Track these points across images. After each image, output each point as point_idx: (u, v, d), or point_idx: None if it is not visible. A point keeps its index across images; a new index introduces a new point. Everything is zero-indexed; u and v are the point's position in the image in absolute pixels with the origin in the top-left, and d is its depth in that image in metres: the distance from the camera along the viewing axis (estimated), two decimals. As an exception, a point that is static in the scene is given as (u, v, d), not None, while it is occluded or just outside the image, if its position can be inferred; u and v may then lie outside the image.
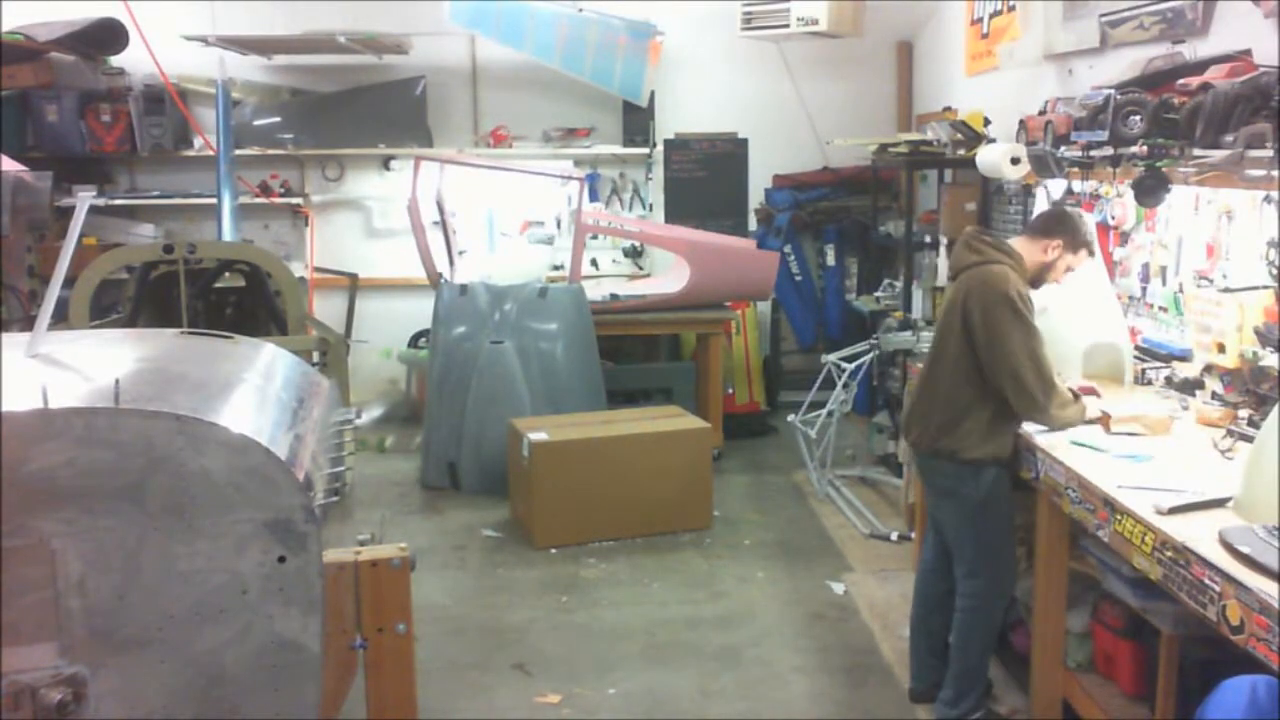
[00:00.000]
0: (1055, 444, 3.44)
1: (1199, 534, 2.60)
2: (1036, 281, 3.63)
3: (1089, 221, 3.83)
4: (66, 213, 4.18)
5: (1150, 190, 3.65)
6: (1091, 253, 3.70)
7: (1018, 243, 3.64)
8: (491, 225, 7.94)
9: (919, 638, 3.93)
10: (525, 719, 3.92)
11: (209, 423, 2.18)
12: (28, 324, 4.87)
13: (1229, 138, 3.18)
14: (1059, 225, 3.63)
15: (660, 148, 8.08)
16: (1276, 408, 2.73)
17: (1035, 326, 3.44)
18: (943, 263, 6.54)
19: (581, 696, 4.04)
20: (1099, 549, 3.38)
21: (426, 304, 6.81)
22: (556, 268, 7.64)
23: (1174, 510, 2.76)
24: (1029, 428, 3.57)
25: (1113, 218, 4.51)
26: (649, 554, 5.41)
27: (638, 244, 8.09)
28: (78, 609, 2.11)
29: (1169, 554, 2.63)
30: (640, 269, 8.33)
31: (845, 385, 6.14)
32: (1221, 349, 3.82)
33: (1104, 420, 3.57)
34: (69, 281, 3.89)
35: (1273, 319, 3.55)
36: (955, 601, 3.71)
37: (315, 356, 5.43)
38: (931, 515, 3.88)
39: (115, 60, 7.89)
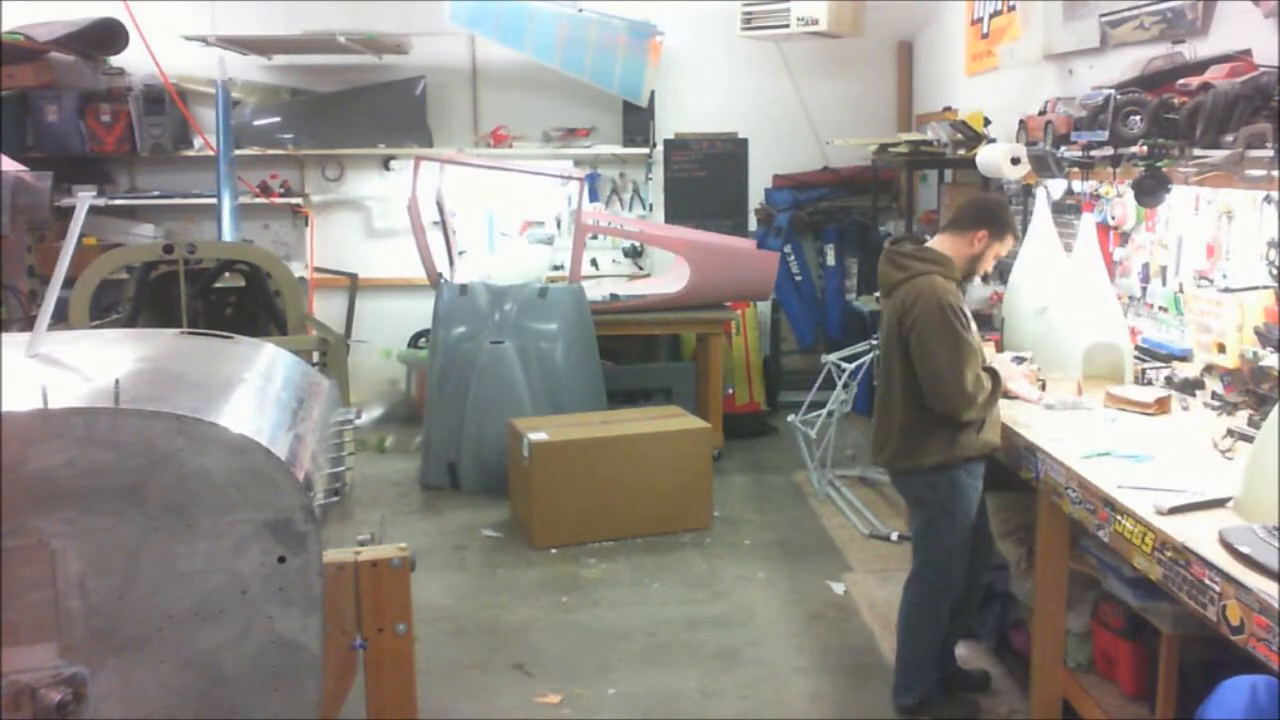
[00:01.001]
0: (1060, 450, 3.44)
1: (1199, 534, 2.60)
2: (969, 274, 3.69)
3: (1009, 208, 3.96)
4: (66, 213, 4.17)
5: (1150, 190, 3.65)
6: (1016, 235, 3.76)
7: (942, 240, 3.67)
8: (491, 225, 7.95)
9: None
10: (525, 719, 3.92)
11: (209, 423, 2.18)
12: (28, 324, 4.87)
13: (1229, 138, 3.18)
14: (982, 216, 3.65)
15: (660, 148, 8.08)
16: (1277, 408, 2.73)
17: (962, 337, 3.46)
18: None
19: (581, 696, 4.04)
20: (1099, 549, 3.38)
21: (426, 304, 6.81)
22: (556, 268, 7.64)
23: (1174, 510, 2.76)
24: (1024, 431, 3.58)
25: (1113, 218, 4.51)
26: (649, 554, 5.41)
27: (638, 244, 8.09)
28: (78, 609, 2.11)
29: (1169, 554, 2.63)
30: (640, 269, 8.33)
31: (845, 385, 6.15)
32: (1222, 349, 3.82)
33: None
34: (69, 281, 3.89)
35: (1273, 319, 3.55)
36: (903, 594, 3.81)
37: (315, 356, 5.43)
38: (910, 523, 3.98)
39: (115, 60, 7.89)
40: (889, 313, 3.66)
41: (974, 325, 3.62)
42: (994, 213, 3.67)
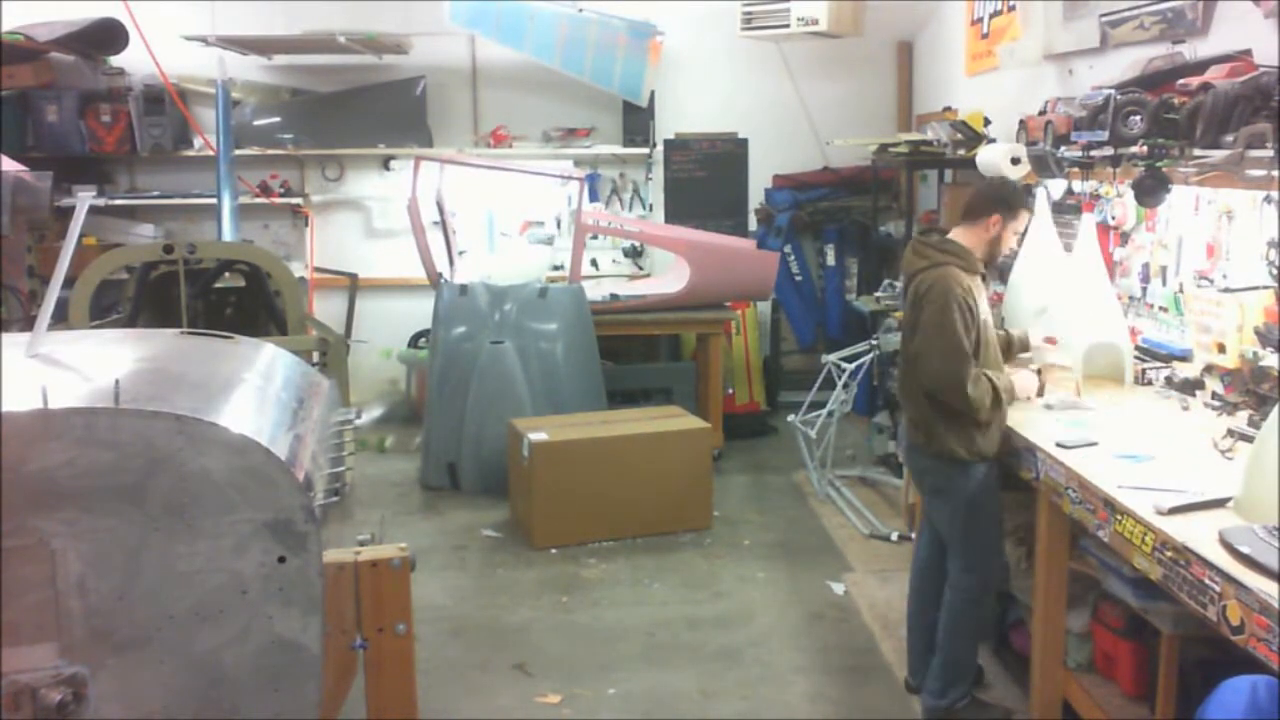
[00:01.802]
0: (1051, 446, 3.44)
1: (1199, 534, 2.60)
2: (992, 259, 3.72)
3: (1017, 184, 3.94)
4: (66, 213, 4.18)
5: (1150, 190, 3.65)
6: (1030, 208, 3.77)
7: (958, 233, 3.70)
8: (491, 225, 7.95)
9: (915, 633, 3.99)
10: (525, 719, 3.92)
11: (209, 423, 2.18)
12: (28, 324, 4.87)
13: (1229, 138, 3.18)
14: (992, 200, 3.68)
15: (660, 148, 8.08)
16: (1277, 408, 2.72)
17: (959, 334, 3.48)
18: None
19: (581, 696, 4.04)
20: (1099, 549, 3.37)
21: (426, 304, 6.81)
22: (556, 268, 7.64)
23: (1174, 510, 2.76)
24: (1023, 430, 3.58)
25: (1113, 218, 4.51)
26: (649, 554, 5.41)
27: (638, 244, 8.09)
28: (78, 609, 2.11)
29: (1169, 554, 2.63)
30: (640, 269, 8.33)
31: (845, 385, 6.14)
32: (1222, 349, 3.82)
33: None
34: (69, 281, 3.89)
35: (1273, 319, 3.55)
36: (944, 593, 3.78)
37: (315, 356, 5.43)
38: (926, 512, 3.95)
39: (115, 60, 7.89)
40: (907, 300, 3.73)
41: (990, 321, 3.64)
42: (1002, 195, 3.70)
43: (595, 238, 7.72)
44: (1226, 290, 3.79)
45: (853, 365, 6.13)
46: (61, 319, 5.08)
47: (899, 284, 6.80)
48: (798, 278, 8.29)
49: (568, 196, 7.87)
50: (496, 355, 6.24)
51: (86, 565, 2.10)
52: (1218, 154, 3.25)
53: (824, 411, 6.17)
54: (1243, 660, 2.36)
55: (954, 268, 3.58)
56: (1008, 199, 3.68)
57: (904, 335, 3.81)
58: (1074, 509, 3.18)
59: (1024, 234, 3.88)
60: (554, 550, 5.43)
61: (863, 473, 6.51)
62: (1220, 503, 2.78)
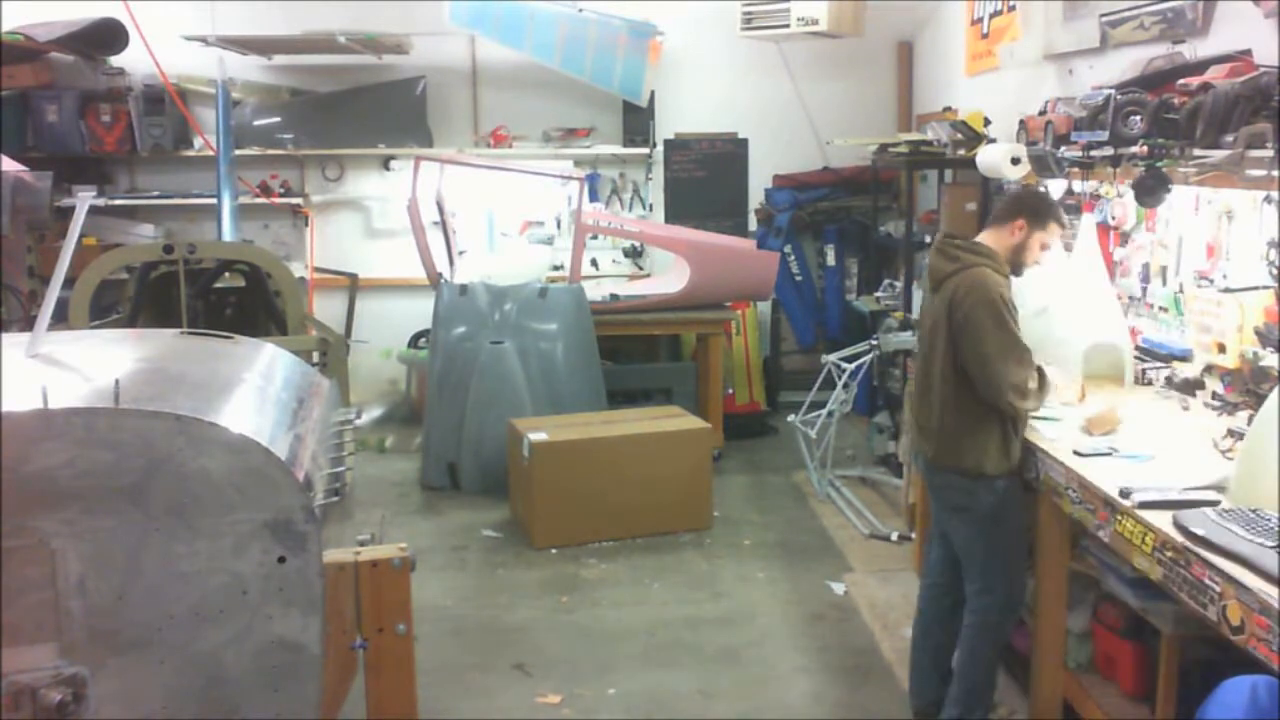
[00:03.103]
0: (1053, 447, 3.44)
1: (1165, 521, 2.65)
2: (1018, 268, 3.57)
3: (1051, 197, 3.82)
4: (66, 213, 4.17)
5: (1150, 190, 3.65)
6: (1061, 224, 3.60)
7: (987, 236, 3.59)
8: (491, 225, 7.95)
9: (921, 653, 3.82)
10: (525, 719, 3.92)
11: (209, 423, 2.18)
12: (28, 324, 4.87)
13: (1229, 138, 3.18)
14: (1017, 205, 3.58)
15: (660, 148, 8.08)
16: (1273, 392, 2.73)
17: (1014, 330, 3.37)
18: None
19: (581, 697, 4.03)
20: (1099, 549, 3.38)
21: (426, 304, 6.81)
22: (556, 268, 7.64)
23: (1144, 505, 2.80)
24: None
25: (1113, 218, 4.51)
26: (649, 554, 5.41)
27: (638, 244, 8.09)
28: (78, 609, 2.11)
29: (1169, 554, 2.63)
30: (640, 269, 8.33)
31: (845, 385, 6.14)
32: (1222, 349, 3.81)
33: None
34: (69, 281, 3.89)
35: (1273, 319, 3.55)
36: (964, 616, 3.60)
37: (315, 356, 5.42)
38: (939, 529, 3.77)
39: (115, 60, 7.89)
40: (937, 304, 3.54)
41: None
42: (1029, 202, 3.59)
43: (595, 238, 7.72)
44: (1226, 290, 3.79)
45: (853, 365, 6.13)
46: (61, 319, 5.08)
47: (898, 284, 6.84)
48: (798, 278, 8.29)
49: (568, 196, 7.86)
50: (496, 355, 6.24)
51: (86, 565, 2.10)
52: (1218, 154, 3.25)
53: (824, 411, 6.17)
54: (1243, 660, 2.36)
55: (987, 268, 3.45)
56: (1035, 207, 3.55)
57: (926, 342, 3.62)
58: (1074, 509, 3.18)
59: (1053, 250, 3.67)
60: (554, 550, 5.43)
61: (863, 473, 6.51)
62: (1194, 505, 2.77)
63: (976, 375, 3.38)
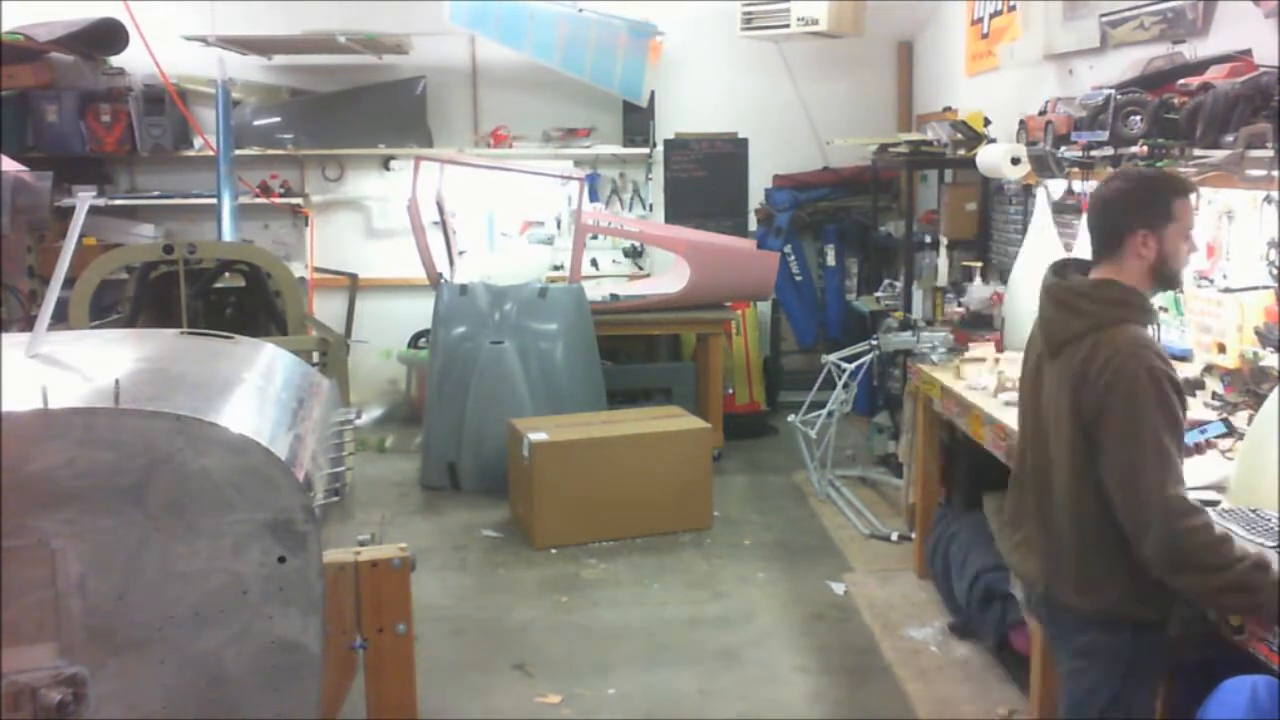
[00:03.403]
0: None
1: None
2: (1172, 279, 2.60)
3: (1140, 172, 3.08)
4: (66, 213, 4.17)
5: (1150, 190, 3.64)
6: (1184, 191, 2.54)
7: (1109, 271, 2.53)
8: (491, 225, 7.95)
9: None
10: (525, 719, 3.92)
11: (209, 423, 2.18)
12: (28, 324, 4.87)
13: (1229, 138, 3.18)
14: (1122, 214, 2.52)
15: (660, 148, 8.07)
16: (1274, 392, 2.72)
17: (1181, 424, 2.40)
18: (943, 263, 6.54)
19: (581, 696, 4.03)
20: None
21: (426, 304, 6.81)
22: (556, 268, 7.64)
23: None
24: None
25: (1113, 218, 4.50)
26: (649, 554, 5.41)
27: (638, 244, 8.09)
28: (78, 609, 2.11)
29: (1169, 554, 2.62)
30: (640, 269, 8.33)
31: (845, 385, 6.14)
32: (1222, 349, 3.82)
33: None
34: (69, 281, 3.88)
35: (1273, 319, 3.55)
36: None
37: (315, 356, 5.42)
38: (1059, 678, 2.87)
39: (115, 60, 7.89)
40: (1056, 376, 2.53)
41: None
42: (1133, 201, 2.53)
43: (595, 238, 7.71)
44: (1226, 290, 3.80)
45: (853, 365, 6.13)
46: (61, 319, 5.08)
47: (898, 284, 6.85)
48: (798, 278, 8.29)
49: (568, 196, 7.86)
50: (496, 355, 6.24)
51: (86, 565, 2.10)
52: (1218, 154, 3.26)
53: (824, 411, 6.17)
54: (1243, 660, 2.36)
55: (1133, 326, 2.45)
56: (1144, 202, 2.51)
57: (1034, 433, 2.65)
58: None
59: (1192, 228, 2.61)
60: (554, 550, 5.43)
61: (863, 473, 6.51)
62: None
63: (1119, 492, 2.39)
